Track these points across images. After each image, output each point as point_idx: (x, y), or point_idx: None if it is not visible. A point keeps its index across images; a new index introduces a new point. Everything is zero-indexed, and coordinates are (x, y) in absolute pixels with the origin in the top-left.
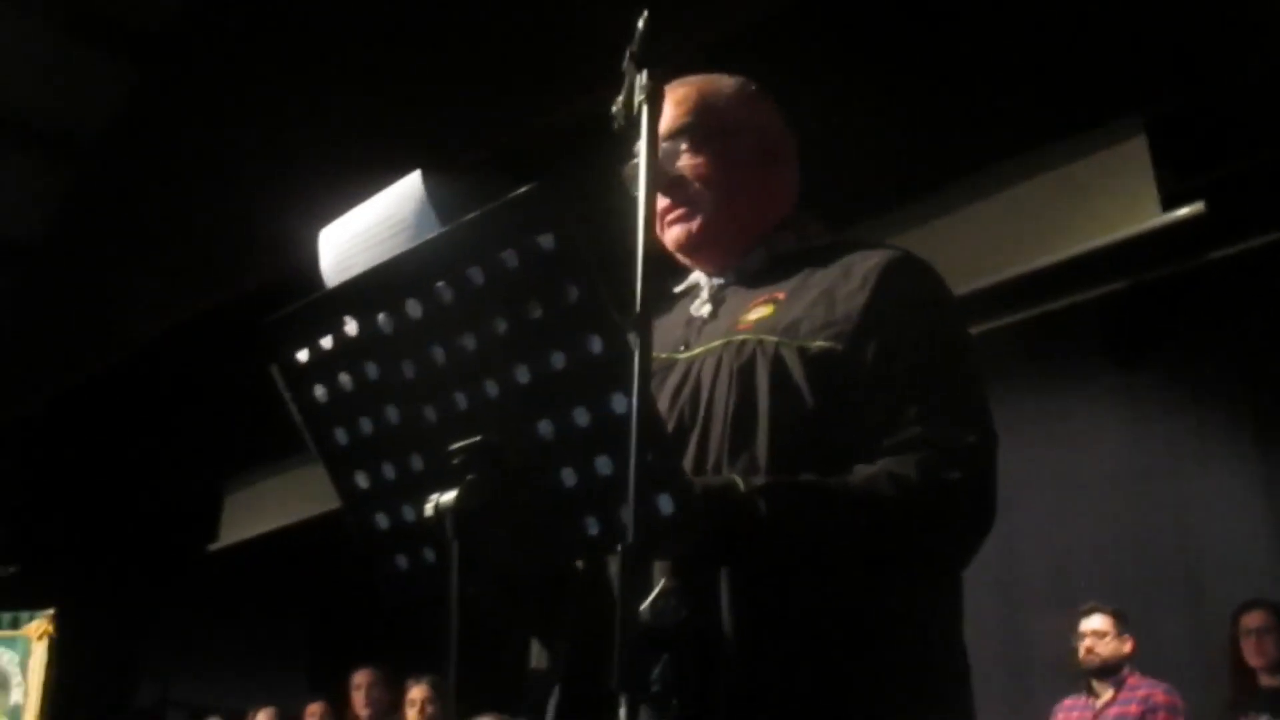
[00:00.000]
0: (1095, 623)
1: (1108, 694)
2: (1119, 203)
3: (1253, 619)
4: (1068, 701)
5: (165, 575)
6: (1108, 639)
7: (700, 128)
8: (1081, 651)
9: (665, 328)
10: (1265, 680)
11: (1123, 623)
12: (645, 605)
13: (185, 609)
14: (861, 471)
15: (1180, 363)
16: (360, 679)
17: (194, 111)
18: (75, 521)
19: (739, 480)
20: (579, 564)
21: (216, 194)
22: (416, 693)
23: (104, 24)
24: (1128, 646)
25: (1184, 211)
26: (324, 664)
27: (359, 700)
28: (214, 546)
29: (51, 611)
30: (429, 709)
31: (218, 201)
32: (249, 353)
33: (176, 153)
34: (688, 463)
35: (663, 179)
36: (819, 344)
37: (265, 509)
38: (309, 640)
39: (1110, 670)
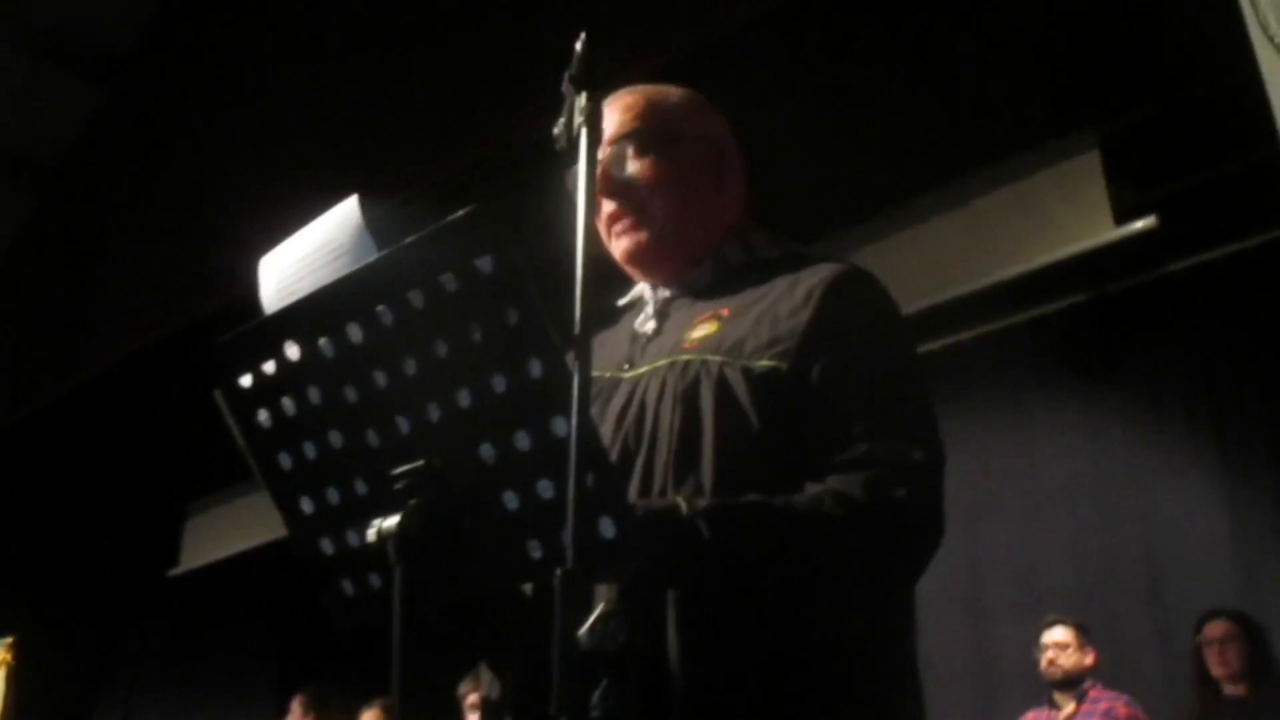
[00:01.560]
0: (1057, 634)
1: (1070, 706)
2: (1074, 217)
3: (1215, 629)
4: (1030, 715)
5: (126, 601)
6: (1070, 651)
7: (648, 132)
8: (1044, 663)
9: (609, 343)
10: (1229, 690)
11: (1085, 635)
12: (584, 629)
13: (147, 634)
14: (807, 491)
15: (1140, 374)
16: (297, 704)
17: (152, 135)
18: (34, 548)
19: (682, 502)
20: (527, 588)
21: (173, 218)
22: (369, 717)
23: (66, 45)
24: (1089, 659)
25: (1138, 225)
26: (289, 689)
27: None
28: (175, 571)
29: (10, 639)
30: None
31: (174, 226)
32: (200, 378)
33: (135, 176)
34: (633, 487)
35: (611, 183)
36: (763, 364)
37: (226, 533)
38: (274, 664)
39: (1072, 683)
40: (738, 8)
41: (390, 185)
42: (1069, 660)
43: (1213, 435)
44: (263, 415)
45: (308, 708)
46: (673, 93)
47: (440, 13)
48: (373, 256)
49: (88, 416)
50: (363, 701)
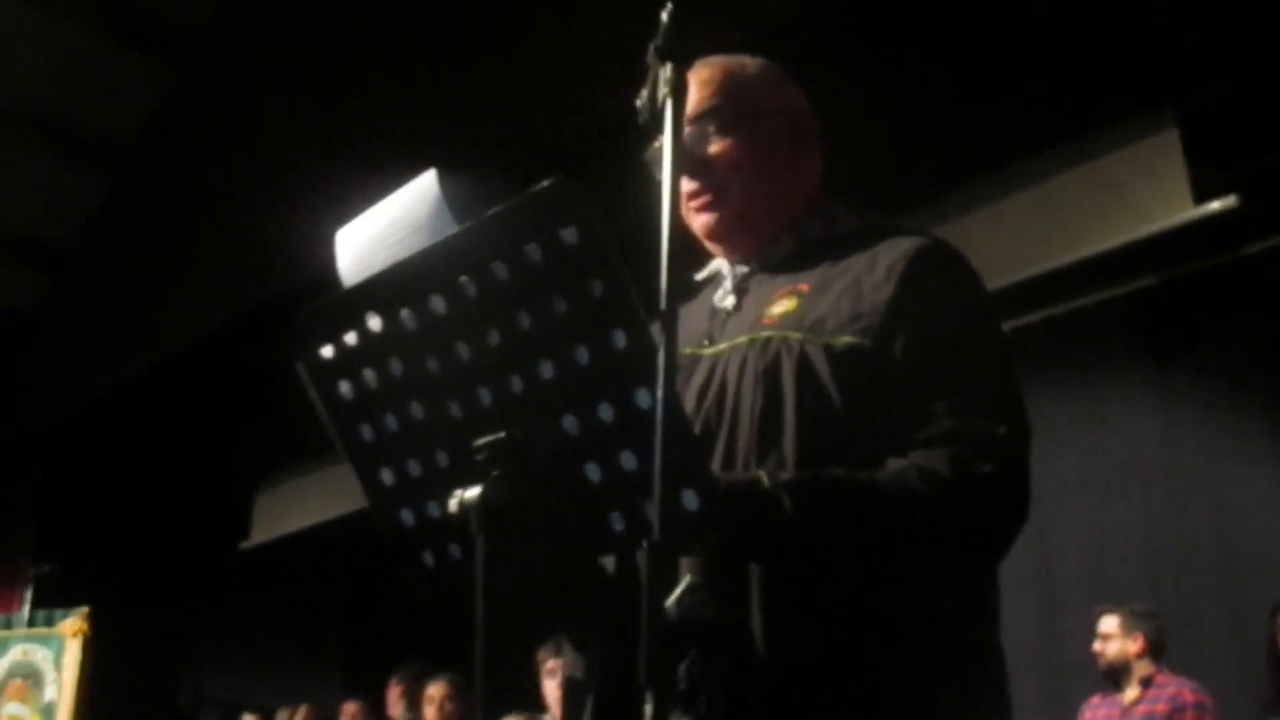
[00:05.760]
0: (1103, 625)
1: (1134, 692)
2: (1151, 197)
3: None
4: (1095, 699)
5: (198, 573)
6: (1113, 640)
7: (728, 109)
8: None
9: (688, 319)
10: None
11: (1135, 621)
12: (671, 601)
13: (218, 607)
14: (891, 466)
15: (1215, 358)
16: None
17: (227, 112)
18: (109, 521)
19: (764, 476)
20: (609, 563)
21: (248, 197)
22: (435, 690)
23: (139, 25)
24: (1134, 646)
25: (1216, 205)
26: (358, 662)
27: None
28: (246, 545)
29: (86, 609)
30: (448, 706)
31: (248, 204)
32: (278, 352)
33: (210, 156)
34: (715, 464)
35: (690, 161)
36: (845, 340)
37: (296, 508)
38: (343, 638)
39: (1118, 672)
40: None
41: (469, 160)
42: (1113, 649)
43: None
44: (344, 387)
45: (405, 690)
46: (750, 65)
47: None
48: (450, 231)
49: (163, 392)
50: (430, 676)
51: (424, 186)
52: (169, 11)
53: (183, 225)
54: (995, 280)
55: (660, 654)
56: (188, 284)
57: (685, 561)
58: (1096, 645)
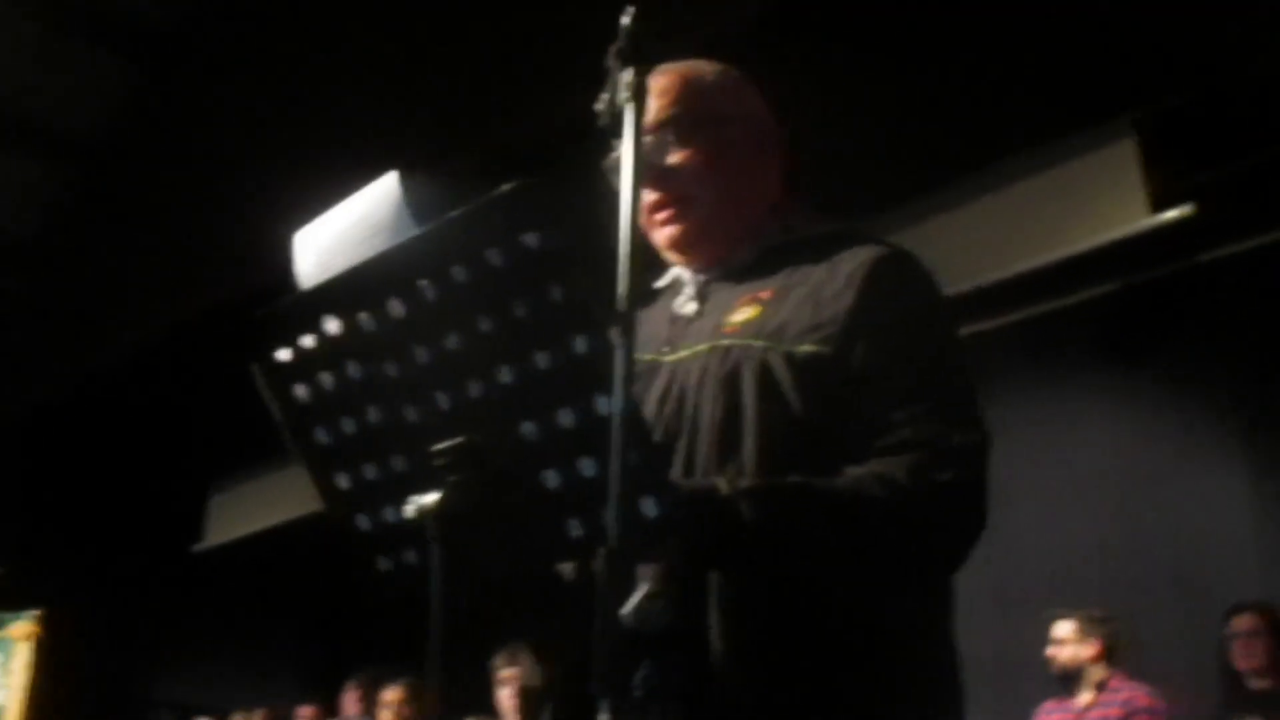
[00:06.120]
0: (1058, 630)
1: (1089, 696)
2: (1110, 204)
3: (1242, 622)
4: (1049, 704)
5: (151, 576)
6: (1067, 645)
7: (686, 118)
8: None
9: (648, 325)
10: (1254, 683)
11: (1091, 626)
12: (627, 609)
13: (171, 610)
14: (850, 474)
15: (1172, 364)
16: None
17: (188, 112)
18: (61, 524)
19: (724, 483)
20: (566, 569)
21: (208, 197)
22: (391, 694)
23: (104, 22)
24: (1088, 651)
25: (1173, 214)
26: (314, 666)
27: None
28: (199, 547)
29: (38, 613)
30: (404, 710)
31: (207, 204)
32: (234, 352)
33: (173, 154)
34: (675, 471)
35: (651, 172)
36: (805, 348)
37: (251, 510)
38: (299, 641)
39: (1072, 676)
40: None
41: (432, 160)
42: (1066, 654)
43: (1242, 427)
44: (300, 390)
45: (363, 694)
46: (709, 71)
47: None
48: (411, 233)
49: (116, 393)
50: (386, 680)
51: (385, 188)
52: (135, 9)
53: (140, 224)
54: (954, 286)
55: (615, 662)
56: (144, 283)
57: (644, 569)
58: (1051, 650)
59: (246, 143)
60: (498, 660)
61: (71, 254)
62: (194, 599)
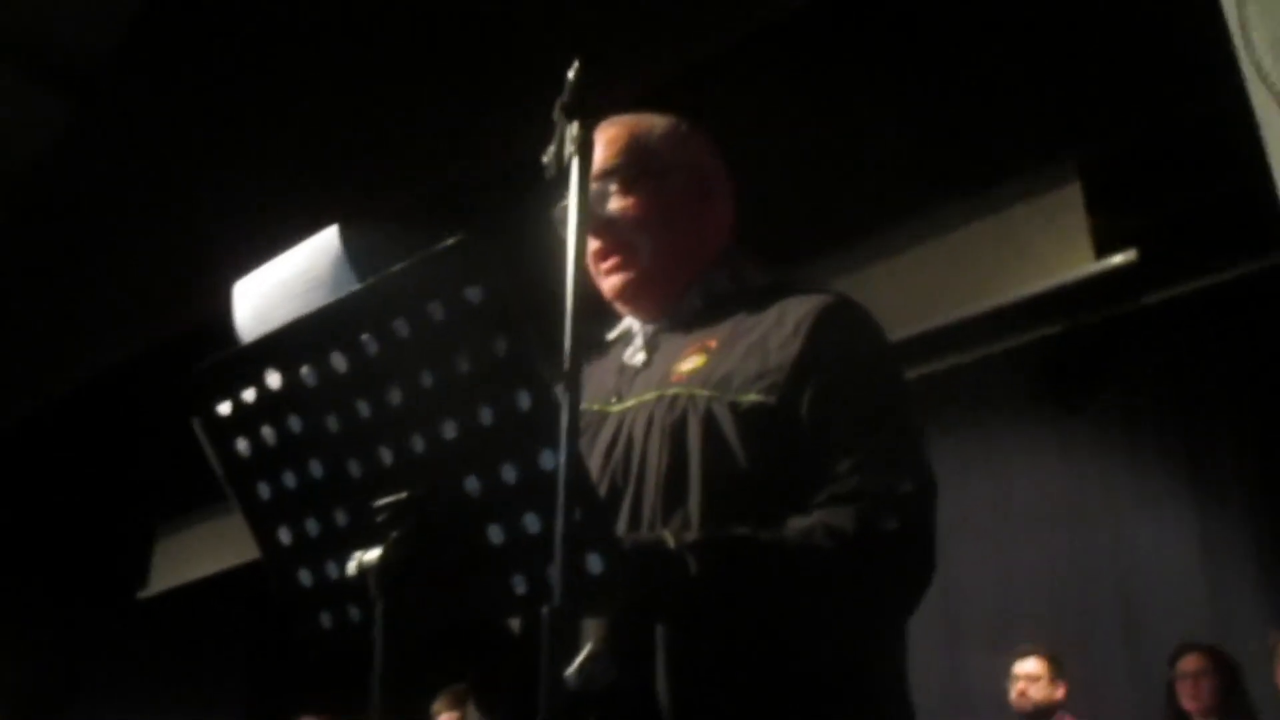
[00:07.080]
0: (1029, 666)
1: None
2: (1054, 249)
3: (1189, 663)
4: None
5: (94, 622)
6: (1041, 682)
7: (632, 168)
8: (1014, 694)
9: (597, 376)
10: None
11: (1057, 667)
12: (572, 669)
13: (115, 658)
14: (797, 525)
15: (1116, 405)
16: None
17: (128, 149)
18: None
19: (669, 537)
20: (513, 624)
21: (145, 237)
22: None
23: (37, 56)
24: (1060, 692)
25: (1117, 259)
26: (260, 712)
27: None
28: (144, 594)
29: None
30: None
31: (147, 244)
32: (173, 398)
33: (109, 191)
34: (621, 523)
35: (594, 220)
36: (750, 398)
37: (197, 555)
38: (243, 688)
39: (1042, 714)
40: (723, 32)
41: (374, 206)
42: (1039, 692)
43: (1186, 467)
44: (242, 444)
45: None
46: (656, 122)
47: (425, 32)
48: (352, 287)
49: (56, 434)
50: None
51: (325, 241)
52: (69, 43)
53: (79, 260)
54: (900, 330)
55: None
56: (85, 320)
57: (589, 625)
58: (1019, 686)
59: (185, 183)
60: (437, 704)
61: (7, 291)
62: (140, 646)
